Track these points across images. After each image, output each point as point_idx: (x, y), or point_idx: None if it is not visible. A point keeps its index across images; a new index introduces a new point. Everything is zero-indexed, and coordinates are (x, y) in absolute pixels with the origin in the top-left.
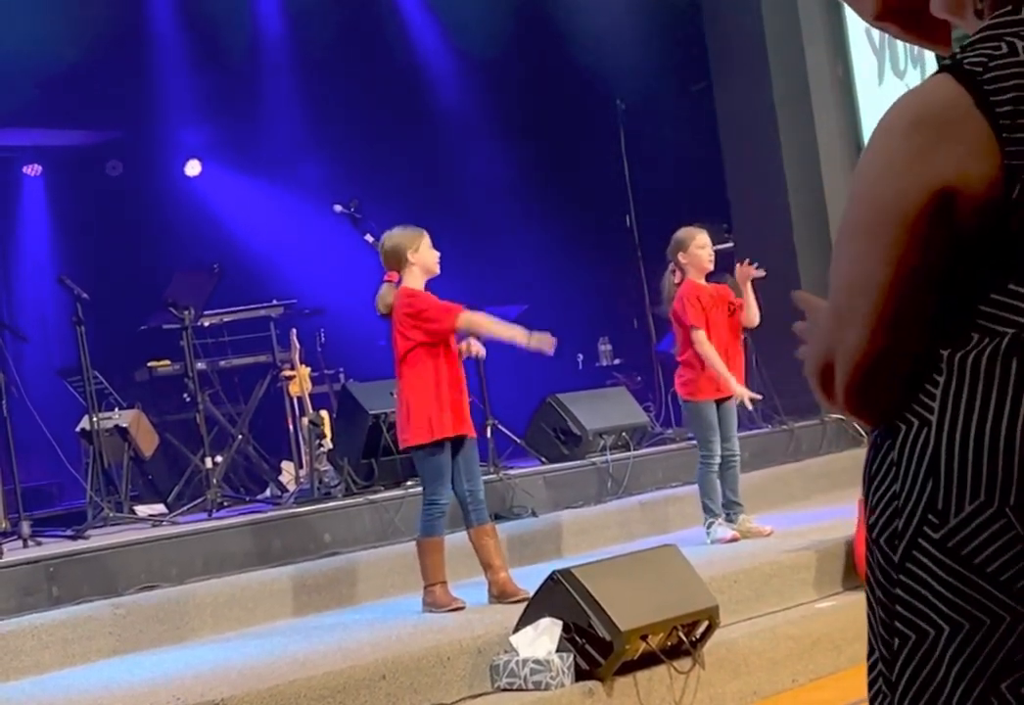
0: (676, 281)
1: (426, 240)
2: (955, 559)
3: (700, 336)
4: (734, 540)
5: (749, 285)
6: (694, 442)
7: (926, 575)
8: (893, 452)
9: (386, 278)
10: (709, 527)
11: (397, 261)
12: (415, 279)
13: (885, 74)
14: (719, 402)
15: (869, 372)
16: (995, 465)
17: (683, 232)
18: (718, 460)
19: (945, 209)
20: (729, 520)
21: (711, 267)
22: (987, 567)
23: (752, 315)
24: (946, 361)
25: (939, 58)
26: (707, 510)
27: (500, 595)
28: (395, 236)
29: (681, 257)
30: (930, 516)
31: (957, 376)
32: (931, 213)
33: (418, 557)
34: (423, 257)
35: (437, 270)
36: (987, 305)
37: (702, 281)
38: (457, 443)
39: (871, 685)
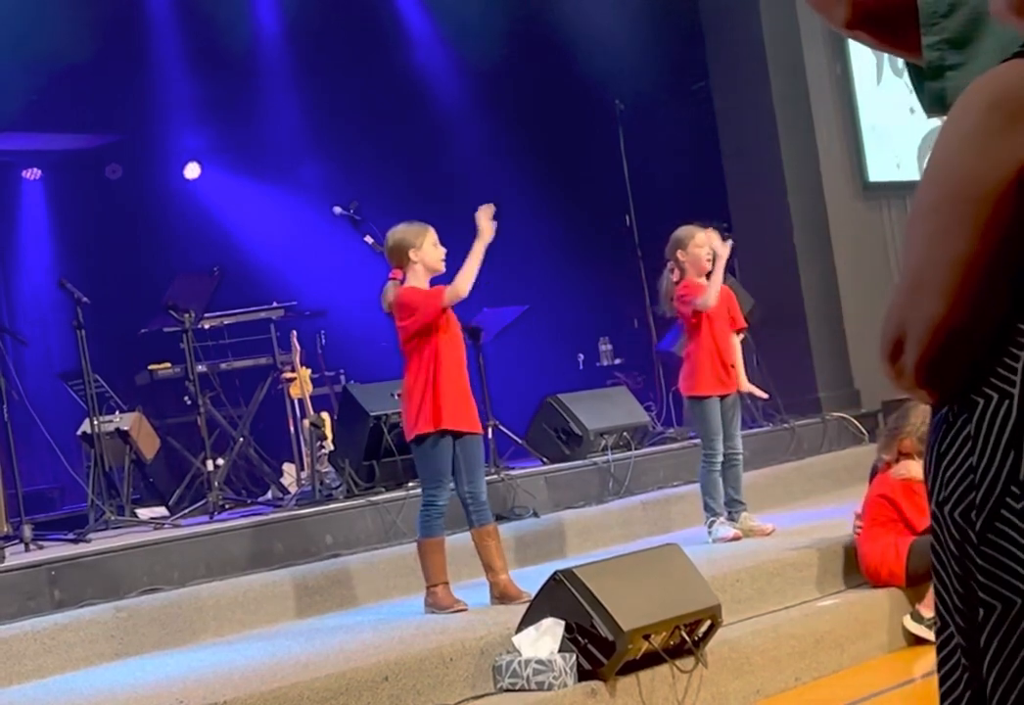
0: (675, 279)
1: (430, 237)
2: None
3: (701, 300)
4: (736, 539)
5: (722, 262)
6: (696, 441)
7: (1010, 545)
8: (970, 426)
9: (390, 275)
10: (711, 526)
11: (400, 259)
12: (418, 278)
13: (884, 73)
14: (722, 398)
15: (945, 346)
16: None
17: (682, 231)
18: (720, 459)
19: (1023, 188)
20: (731, 518)
21: (710, 266)
22: None
23: (711, 294)
24: None
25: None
26: (708, 509)
27: (501, 597)
28: (398, 233)
29: (680, 255)
30: (1012, 487)
31: None
32: (1010, 190)
33: (419, 558)
34: (426, 255)
35: (441, 268)
36: None
37: (701, 280)
38: (460, 441)
39: (944, 660)
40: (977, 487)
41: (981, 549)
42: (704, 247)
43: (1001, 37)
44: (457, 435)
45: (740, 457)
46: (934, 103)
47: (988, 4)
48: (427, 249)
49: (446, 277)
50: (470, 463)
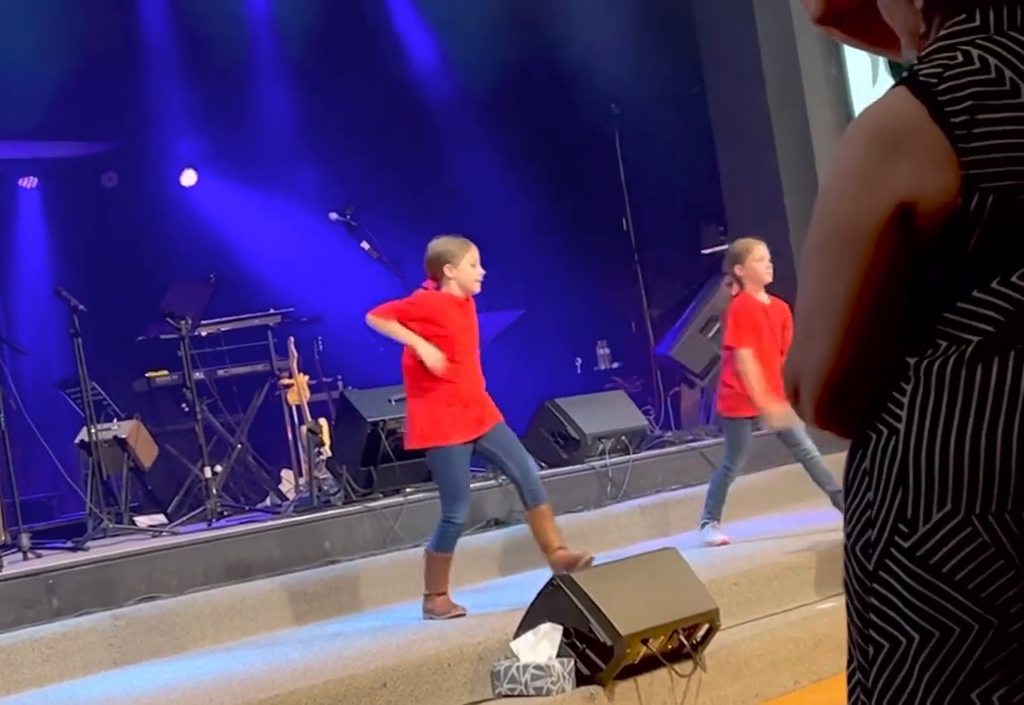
0: (733, 293)
1: (469, 257)
2: (924, 568)
3: (744, 355)
4: (723, 544)
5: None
6: (694, 444)
7: (897, 584)
8: (865, 461)
9: (424, 284)
10: (702, 527)
11: (435, 271)
12: (452, 291)
13: (879, 74)
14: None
15: (835, 388)
16: (961, 472)
17: (740, 244)
18: (736, 475)
19: (905, 221)
20: (836, 504)
21: (769, 279)
22: (955, 575)
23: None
24: (913, 369)
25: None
26: (708, 510)
27: (568, 567)
28: (439, 245)
29: (737, 270)
30: (900, 525)
31: (924, 383)
32: (891, 226)
33: (423, 565)
34: (461, 274)
35: (476, 288)
36: (952, 313)
37: (759, 295)
38: (484, 438)
39: (850, 693)
40: (872, 523)
41: (872, 586)
42: (763, 260)
43: None
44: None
45: (815, 452)
46: None
47: None
48: (464, 268)
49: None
50: (507, 448)
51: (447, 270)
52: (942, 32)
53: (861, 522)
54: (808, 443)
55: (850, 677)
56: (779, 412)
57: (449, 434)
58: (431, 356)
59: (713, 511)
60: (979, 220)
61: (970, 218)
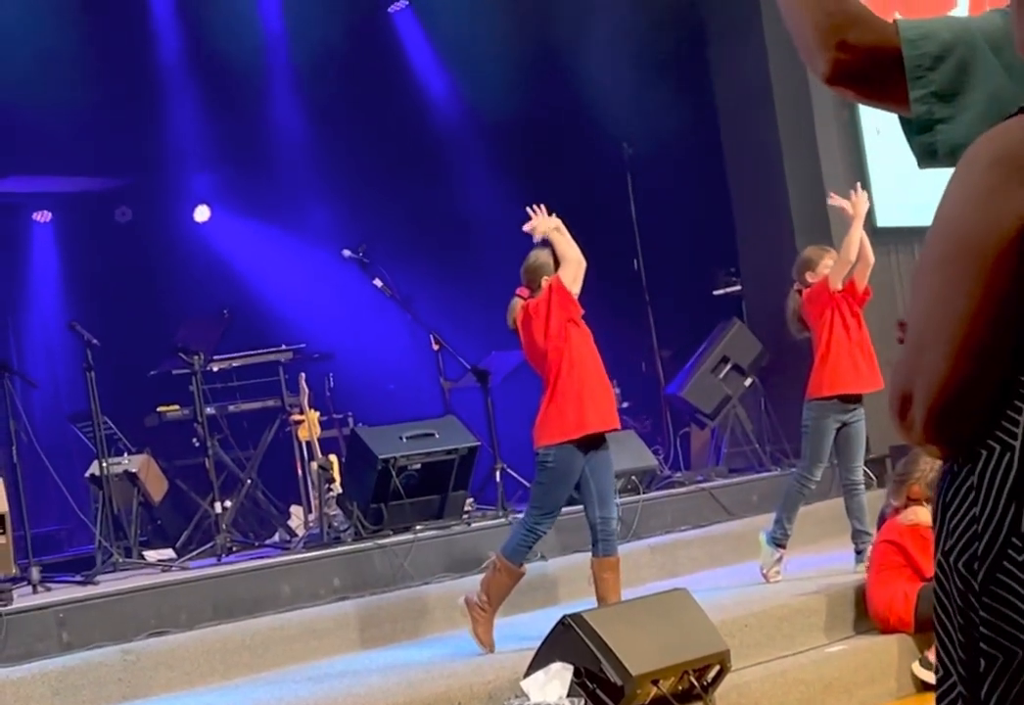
0: (803, 296)
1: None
2: None
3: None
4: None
5: (859, 219)
6: (704, 485)
7: (1011, 596)
8: (973, 477)
9: (518, 292)
10: (769, 544)
11: (533, 280)
12: None
13: (882, 121)
14: (846, 399)
15: (949, 402)
16: None
17: (810, 251)
18: (814, 486)
19: None
20: (858, 551)
21: (840, 287)
22: None
23: (866, 251)
24: None
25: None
26: (776, 531)
27: None
28: (542, 256)
29: (809, 277)
30: (1014, 539)
31: None
32: (1013, 248)
33: (488, 570)
34: None
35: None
36: None
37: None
38: (594, 457)
39: None
40: (980, 537)
41: (983, 600)
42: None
43: (989, 88)
44: (591, 445)
45: (861, 487)
46: (925, 156)
47: (975, 55)
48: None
49: (452, 322)
50: (602, 486)
51: (544, 282)
52: None
53: (966, 537)
54: (860, 474)
55: (946, 692)
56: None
57: (566, 431)
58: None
59: (785, 529)
60: None
61: None
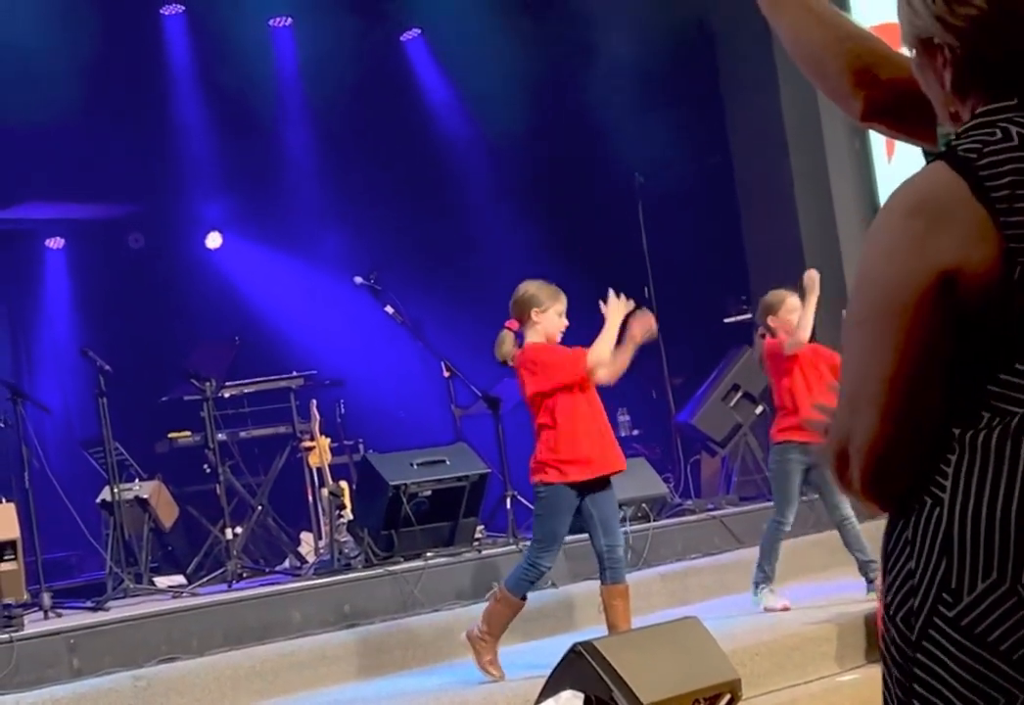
0: (767, 341)
1: (558, 306)
2: (969, 638)
3: (792, 339)
4: (785, 609)
5: (814, 297)
6: (714, 513)
7: (941, 653)
8: (908, 531)
9: (507, 324)
10: (759, 591)
11: (521, 313)
12: (536, 336)
13: (896, 150)
14: (811, 466)
15: (882, 459)
16: (1007, 543)
17: (772, 296)
18: (788, 528)
19: (946, 293)
20: (869, 580)
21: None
22: (1000, 645)
23: (804, 332)
24: (958, 440)
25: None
26: (761, 572)
27: None
28: (531, 288)
29: (771, 321)
30: (944, 594)
31: (968, 455)
32: (932, 298)
33: (490, 602)
34: (548, 322)
35: (557, 339)
36: (996, 385)
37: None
38: (591, 497)
39: None
40: (915, 592)
41: (916, 656)
42: (795, 312)
43: None
44: (587, 489)
45: (852, 520)
46: None
47: None
48: (551, 316)
49: (466, 351)
50: (605, 515)
51: (535, 314)
52: (980, 109)
53: (903, 591)
54: (847, 508)
55: None
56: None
57: (564, 471)
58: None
59: (767, 573)
60: (1021, 292)
61: (1011, 290)
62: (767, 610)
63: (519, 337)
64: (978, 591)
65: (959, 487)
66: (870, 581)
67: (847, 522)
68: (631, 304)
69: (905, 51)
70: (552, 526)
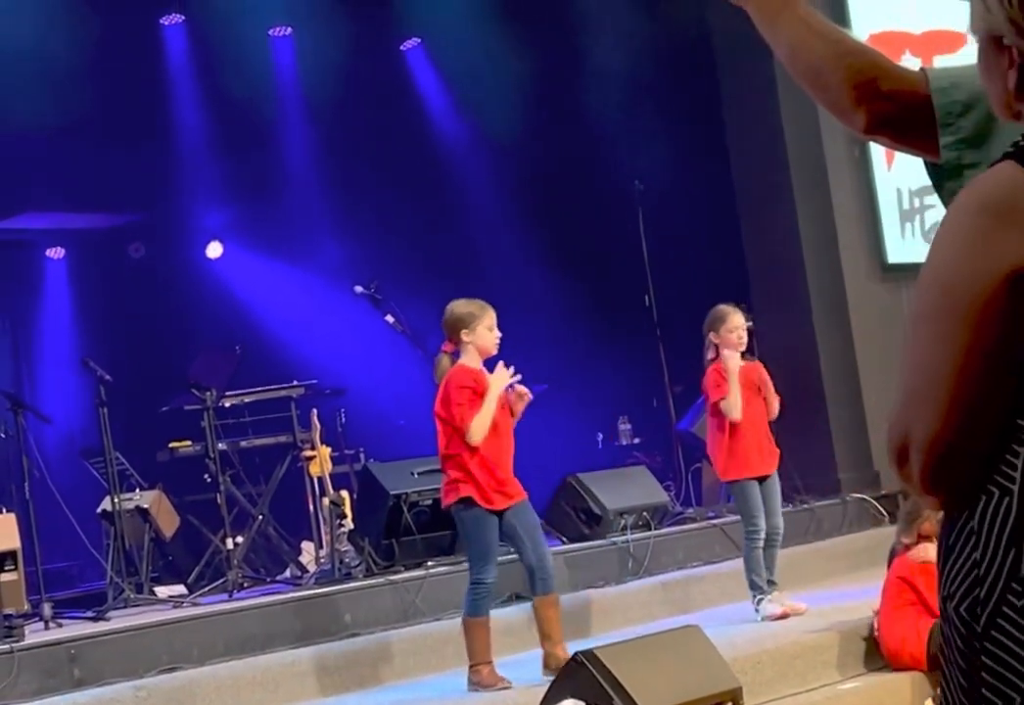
0: (711, 357)
1: (486, 321)
2: None
3: (724, 404)
4: (784, 616)
5: (733, 378)
6: (715, 522)
7: (1011, 642)
8: (972, 521)
9: (443, 347)
10: (758, 603)
11: (452, 335)
12: (470, 356)
13: (895, 158)
14: (760, 480)
15: (944, 453)
16: None
17: (717, 311)
18: (763, 536)
19: (1016, 289)
20: (753, 588)
21: (742, 347)
22: None
23: (733, 409)
24: None
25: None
26: (754, 586)
27: (558, 669)
28: (457, 309)
29: (712, 337)
30: (1013, 584)
31: None
32: (1001, 296)
33: (464, 635)
34: (478, 339)
35: (493, 352)
36: None
37: (734, 359)
38: (509, 512)
39: None
40: (981, 582)
41: (984, 645)
42: (736, 331)
43: (1015, 134)
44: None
45: (780, 537)
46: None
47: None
48: (480, 332)
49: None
50: (527, 527)
51: (464, 335)
52: None
53: (967, 582)
54: (779, 520)
55: None
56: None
57: (489, 499)
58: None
59: (760, 586)
60: None
61: None
62: (767, 619)
63: (456, 356)
64: None
65: None
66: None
67: (776, 534)
68: (516, 375)
69: (971, 39)
70: (478, 540)
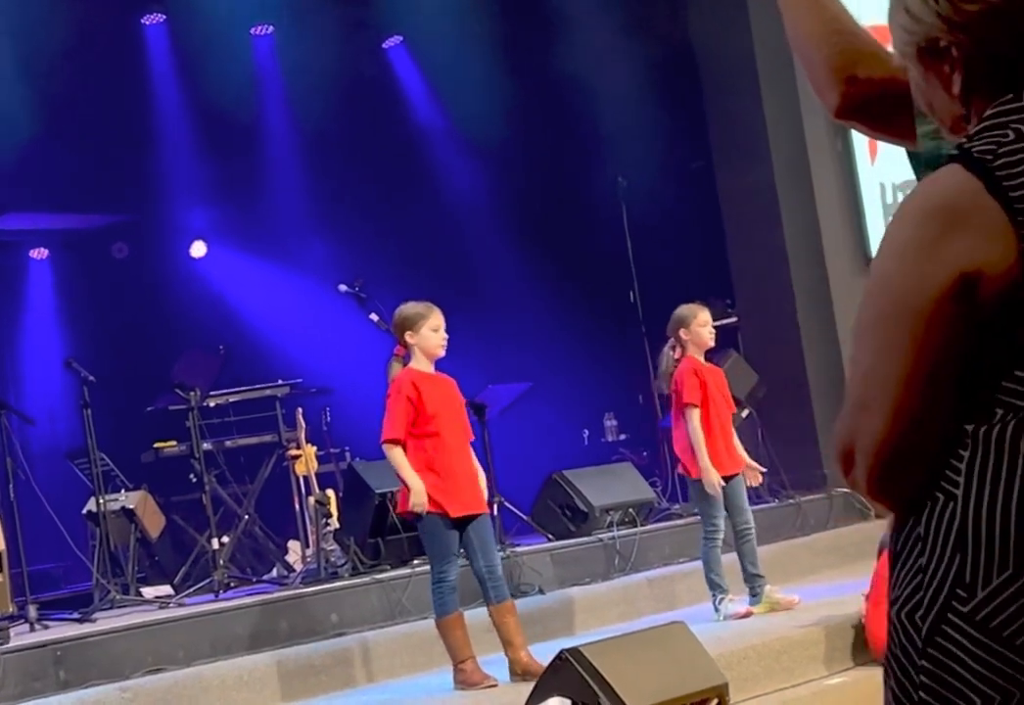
0: (676, 357)
1: (430, 322)
2: (984, 632)
3: (694, 415)
4: (747, 615)
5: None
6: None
7: (955, 648)
8: (919, 527)
9: (395, 350)
10: (719, 603)
11: (399, 336)
12: (418, 359)
13: (879, 151)
14: (726, 478)
15: (890, 460)
16: (1022, 537)
17: (685, 309)
18: (722, 536)
19: (964, 295)
20: (754, 594)
21: (712, 344)
22: (1016, 639)
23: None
24: (971, 436)
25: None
26: (713, 586)
27: (524, 674)
28: (403, 311)
29: (683, 334)
30: (958, 590)
31: (982, 450)
32: (948, 301)
33: (440, 637)
34: (422, 341)
35: (439, 353)
36: (1010, 381)
37: (701, 359)
38: (467, 519)
39: None
40: (926, 588)
41: (927, 651)
42: (707, 326)
43: None
44: (461, 518)
45: (753, 531)
46: None
47: None
48: (424, 334)
49: (446, 356)
50: (482, 538)
51: (408, 337)
52: (989, 112)
53: (911, 587)
54: (749, 516)
55: None
56: (715, 479)
57: (440, 504)
58: (417, 496)
59: (720, 584)
60: None
61: None
62: (730, 618)
63: (407, 360)
64: (993, 585)
65: (973, 483)
66: (754, 595)
67: (748, 530)
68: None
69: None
70: (436, 538)
